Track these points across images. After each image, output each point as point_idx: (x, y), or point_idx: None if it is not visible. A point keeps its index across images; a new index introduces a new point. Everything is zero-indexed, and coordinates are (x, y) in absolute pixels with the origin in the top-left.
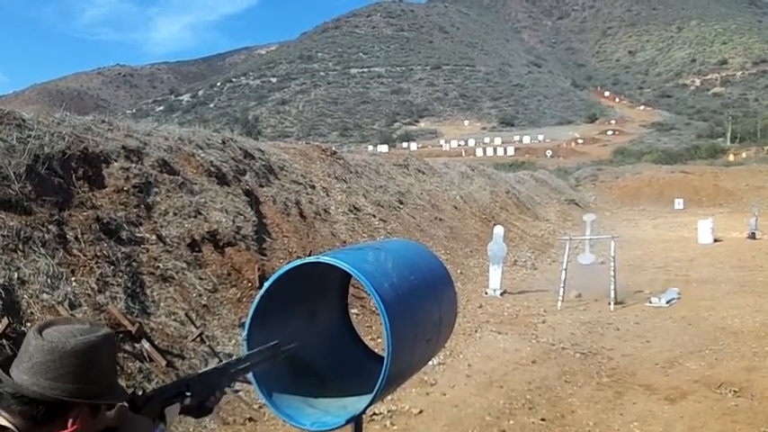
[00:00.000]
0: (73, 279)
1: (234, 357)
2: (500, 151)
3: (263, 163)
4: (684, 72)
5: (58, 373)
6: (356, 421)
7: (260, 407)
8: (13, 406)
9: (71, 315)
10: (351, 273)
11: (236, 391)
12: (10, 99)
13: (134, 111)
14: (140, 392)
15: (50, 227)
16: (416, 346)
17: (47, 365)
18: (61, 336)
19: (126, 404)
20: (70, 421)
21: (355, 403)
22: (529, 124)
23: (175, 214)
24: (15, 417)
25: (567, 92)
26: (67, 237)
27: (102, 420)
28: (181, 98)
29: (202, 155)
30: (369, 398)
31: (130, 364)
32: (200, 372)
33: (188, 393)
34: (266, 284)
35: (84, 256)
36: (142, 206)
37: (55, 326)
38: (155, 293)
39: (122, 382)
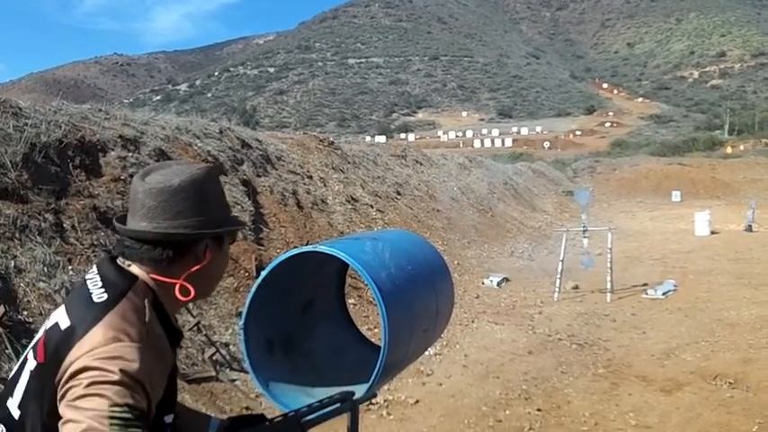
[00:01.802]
0: (70, 268)
1: (305, 407)
2: (498, 143)
3: (261, 153)
4: (683, 64)
5: (175, 211)
6: (352, 410)
7: (256, 396)
8: (143, 254)
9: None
10: (348, 262)
11: (233, 381)
12: (7, 87)
13: (131, 100)
14: None
15: (47, 215)
16: (413, 337)
17: (161, 207)
18: (165, 177)
19: None
20: (201, 255)
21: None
22: (527, 116)
23: None
24: (146, 264)
25: (565, 83)
26: (64, 225)
27: (228, 253)
28: (178, 88)
29: (200, 144)
30: (365, 387)
31: None
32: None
33: None
34: (263, 273)
35: (81, 244)
36: None
37: (156, 171)
38: None
39: None
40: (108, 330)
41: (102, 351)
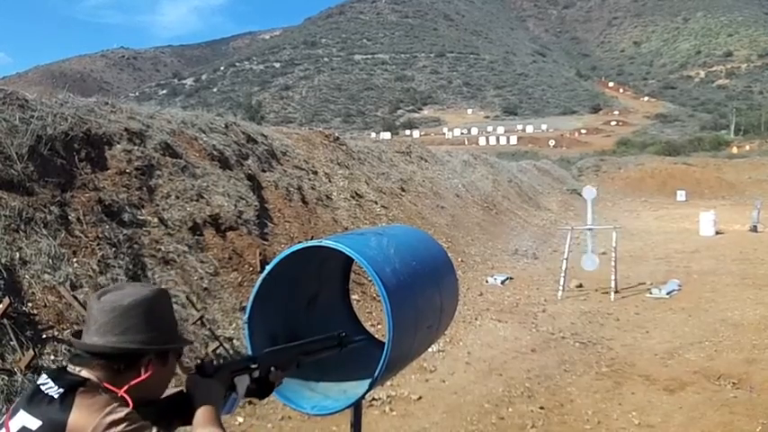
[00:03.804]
0: (74, 260)
1: (302, 341)
2: (503, 140)
3: (266, 148)
4: (689, 64)
5: (124, 327)
6: (356, 406)
7: None
8: (94, 363)
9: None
10: (353, 257)
11: None
12: (13, 80)
13: (137, 94)
14: (209, 362)
15: (52, 208)
16: (417, 333)
17: (112, 323)
18: (118, 296)
19: (196, 372)
20: (143, 369)
21: (355, 388)
22: (532, 114)
23: (177, 197)
24: (97, 371)
25: (571, 82)
26: (69, 218)
27: (173, 368)
28: (184, 82)
29: (205, 139)
30: (369, 383)
31: None
32: (268, 350)
33: (254, 366)
34: (268, 268)
35: (86, 237)
36: (144, 189)
37: (111, 291)
38: (156, 276)
39: None
40: (82, 412)
41: (91, 427)
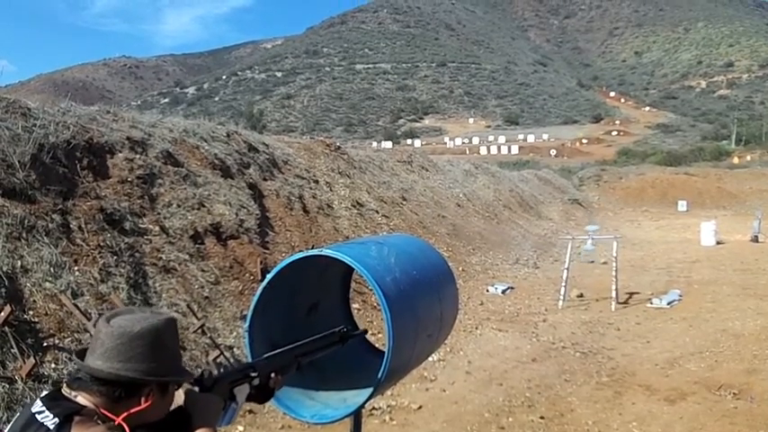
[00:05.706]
0: (76, 268)
1: (300, 341)
2: (504, 150)
3: (268, 157)
4: (690, 74)
5: (129, 355)
6: (356, 415)
7: None
8: (93, 388)
9: (129, 305)
10: (353, 266)
11: None
12: (16, 88)
13: (139, 102)
14: (207, 374)
15: (54, 216)
16: (417, 342)
17: (118, 349)
18: (127, 322)
19: (195, 387)
20: (143, 398)
21: (355, 397)
22: (534, 123)
23: (179, 206)
24: (96, 397)
25: (572, 91)
26: (71, 226)
27: (172, 398)
28: (186, 91)
29: (207, 147)
30: (369, 391)
31: None
32: (266, 355)
33: (254, 374)
34: (269, 276)
35: (88, 245)
36: (146, 197)
37: (120, 315)
38: (157, 284)
39: None
40: None
41: None
